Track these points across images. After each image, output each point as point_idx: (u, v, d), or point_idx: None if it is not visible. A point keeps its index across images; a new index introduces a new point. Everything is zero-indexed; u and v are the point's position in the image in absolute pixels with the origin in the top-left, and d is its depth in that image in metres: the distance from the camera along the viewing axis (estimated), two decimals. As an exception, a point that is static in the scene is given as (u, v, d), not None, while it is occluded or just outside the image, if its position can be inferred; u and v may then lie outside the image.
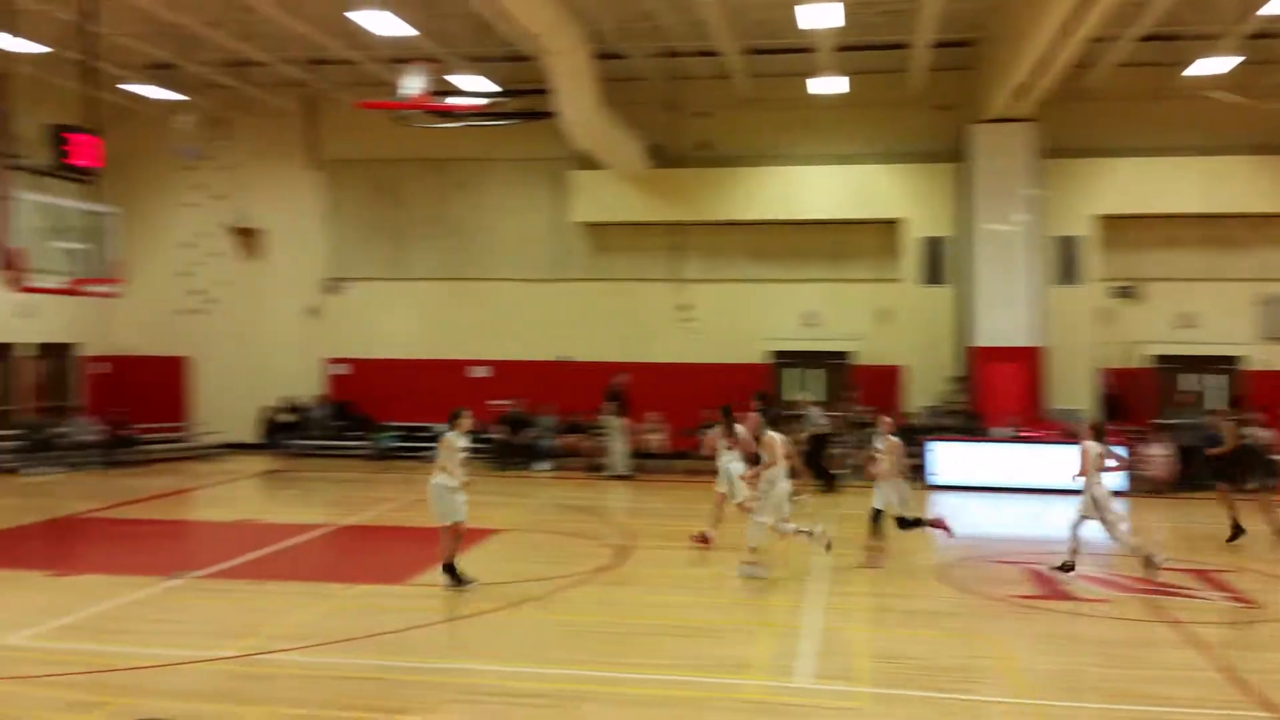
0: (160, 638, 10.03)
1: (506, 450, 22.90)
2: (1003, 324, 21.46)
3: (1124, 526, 12.97)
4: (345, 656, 9.49)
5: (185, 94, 23.94)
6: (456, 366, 24.83)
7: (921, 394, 22.85)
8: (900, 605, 11.51)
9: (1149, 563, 12.44)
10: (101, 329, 25.41)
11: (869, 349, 23.54)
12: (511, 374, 24.43)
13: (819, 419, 20.06)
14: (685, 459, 21.27)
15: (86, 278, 16.39)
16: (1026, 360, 21.44)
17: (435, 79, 19.80)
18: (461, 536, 12.10)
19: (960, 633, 10.52)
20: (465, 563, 12.30)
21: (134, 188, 25.66)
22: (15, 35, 17.83)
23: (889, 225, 23.37)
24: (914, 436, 20.70)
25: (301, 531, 15.63)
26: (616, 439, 21.37)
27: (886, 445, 13.31)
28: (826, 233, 23.77)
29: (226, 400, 25.50)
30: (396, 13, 17.80)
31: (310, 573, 13.21)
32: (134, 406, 24.75)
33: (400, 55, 20.32)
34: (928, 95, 22.74)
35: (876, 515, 13.29)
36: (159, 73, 22.44)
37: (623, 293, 24.57)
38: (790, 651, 9.63)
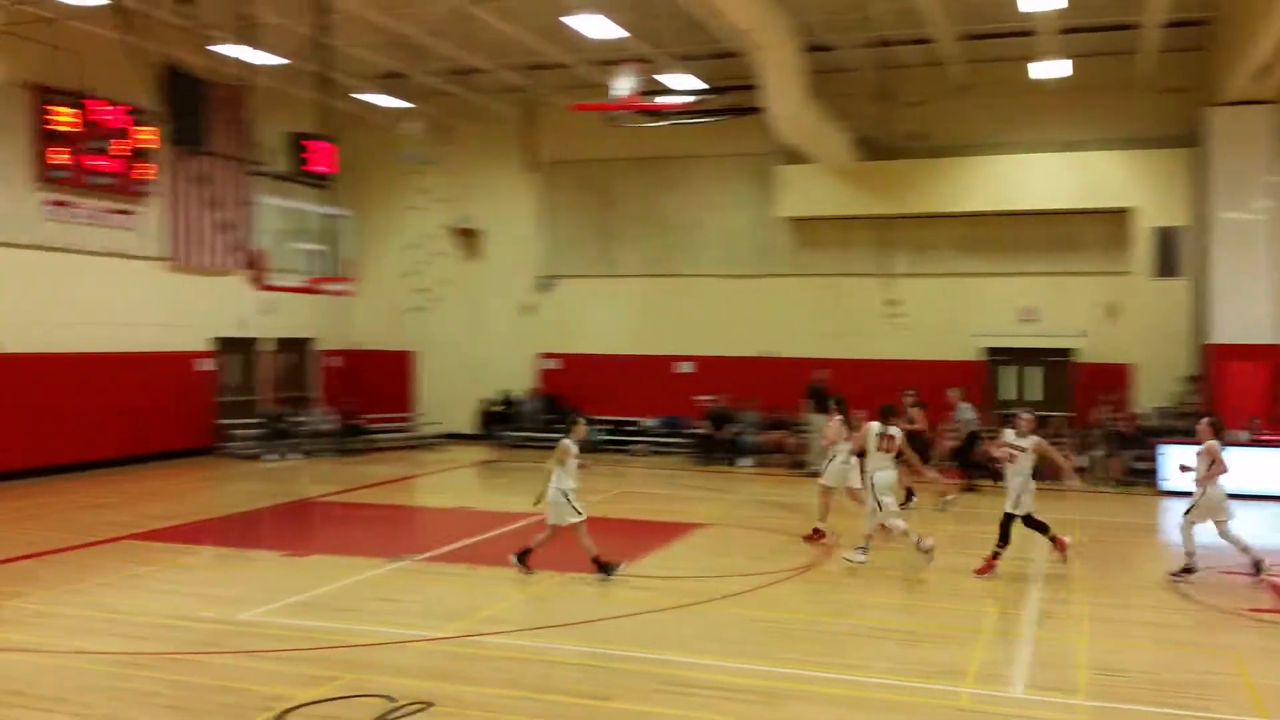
0: (384, 617, 10.56)
1: (709, 446, 22.98)
2: (1242, 319, 19.99)
3: (1234, 528, 12.33)
4: (553, 642, 9.75)
5: (412, 102, 25.13)
6: (661, 362, 25.11)
7: (1152, 394, 21.58)
8: (1123, 615, 10.91)
9: (1258, 567, 12.06)
10: (336, 325, 26.97)
11: (1094, 346, 22.43)
12: (716, 369, 24.51)
13: (968, 415, 19.40)
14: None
15: (322, 277, 17.47)
16: (1268, 358, 19.90)
17: (645, 79, 20.08)
18: (585, 532, 12.11)
19: (1189, 646, 9.89)
20: (666, 556, 12.47)
21: (364, 192, 27.18)
22: (256, 49, 19.10)
23: (1116, 215, 22.17)
24: (1144, 439, 19.66)
25: (513, 519, 16.12)
26: (817, 436, 21.07)
27: (1030, 443, 12.57)
28: (1046, 223, 22.78)
29: (447, 393, 26.66)
30: (609, 15, 18.16)
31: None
32: (364, 398, 26.21)
33: (611, 57, 20.69)
34: (1159, 77, 21.45)
35: (1028, 520, 12.49)
36: (388, 82, 23.61)
37: (828, 288, 24.26)
38: (1004, 659, 9.29)
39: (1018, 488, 12.51)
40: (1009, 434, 12.65)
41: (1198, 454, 12.40)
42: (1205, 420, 12.78)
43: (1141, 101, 21.99)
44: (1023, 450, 12.45)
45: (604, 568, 12.08)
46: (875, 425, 12.79)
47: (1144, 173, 21.83)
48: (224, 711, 7.95)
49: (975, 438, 19.35)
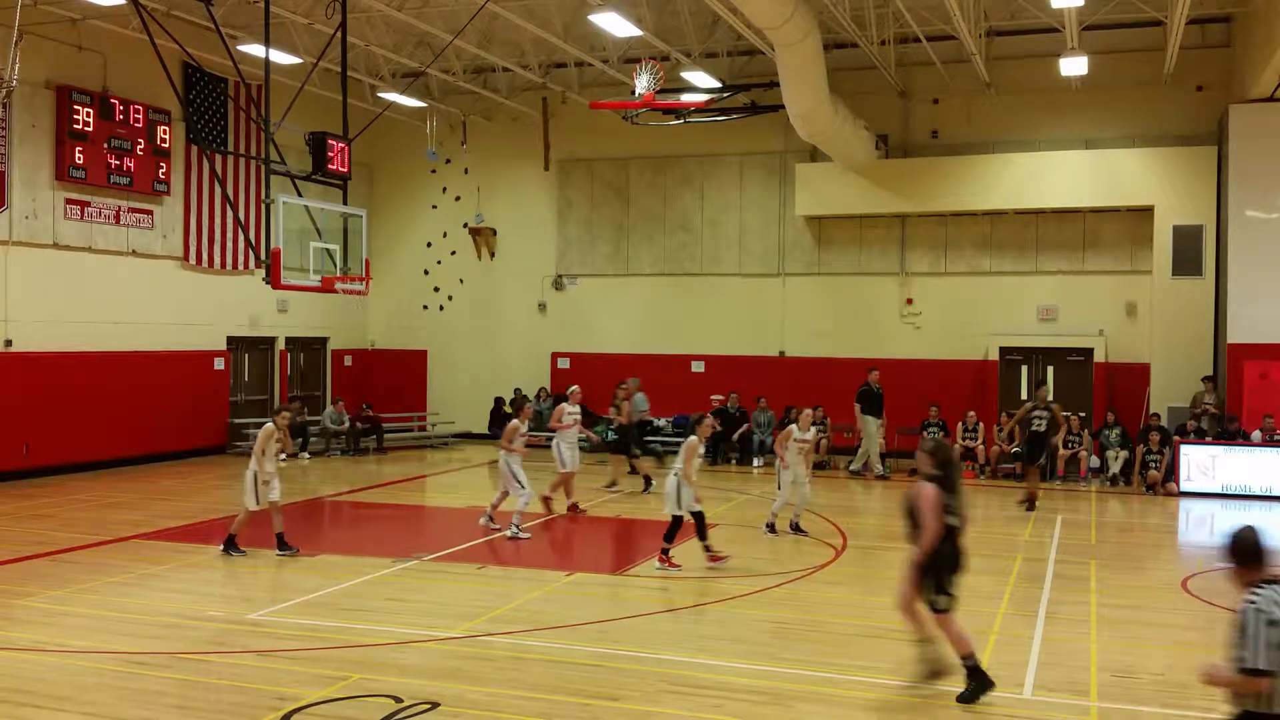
0: (393, 617, 10.55)
1: (719, 445, 22.91)
2: (1264, 319, 19.78)
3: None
4: (562, 642, 9.70)
5: (430, 100, 25.17)
6: (676, 361, 25.06)
7: (1173, 394, 21.37)
8: (1135, 616, 10.81)
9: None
10: (350, 324, 27.03)
11: (1114, 345, 22.27)
12: (731, 369, 24.45)
13: (644, 405, 20.47)
14: (909, 457, 20.73)
15: (337, 276, 17.45)
16: (1291, 358, 19.72)
17: (664, 77, 20.06)
18: (280, 512, 13.24)
19: (1201, 647, 9.78)
20: (675, 556, 12.48)
21: (380, 190, 27.29)
22: (276, 48, 19.16)
23: (1136, 213, 22.00)
24: (1163, 438, 19.48)
25: (523, 519, 16.10)
26: (873, 438, 20.74)
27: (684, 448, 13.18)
28: (1066, 222, 22.68)
29: (461, 392, 26.67)
30: (630, 13, 18.14)
31: (530, 559, 13.62)
32: (378, 397, 26.25)
33: (631, 55, 20.67)
34: (1184, 75, 21.21)
35: (697, 517, 12.65)
36: (406, 80, 23.65)
37: (846, 287, 24.17)
38: (1016, 661, 9.19)
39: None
40: (693, 440, 12.75)
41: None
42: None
43: (1163, 99, 21.81)
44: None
45: (283, 546, 12.89)
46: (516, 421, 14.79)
47: (1165, 171, 21.62)
48: (232, 711, 7.96)
49: (645, 425, 20.12)
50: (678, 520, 12.51)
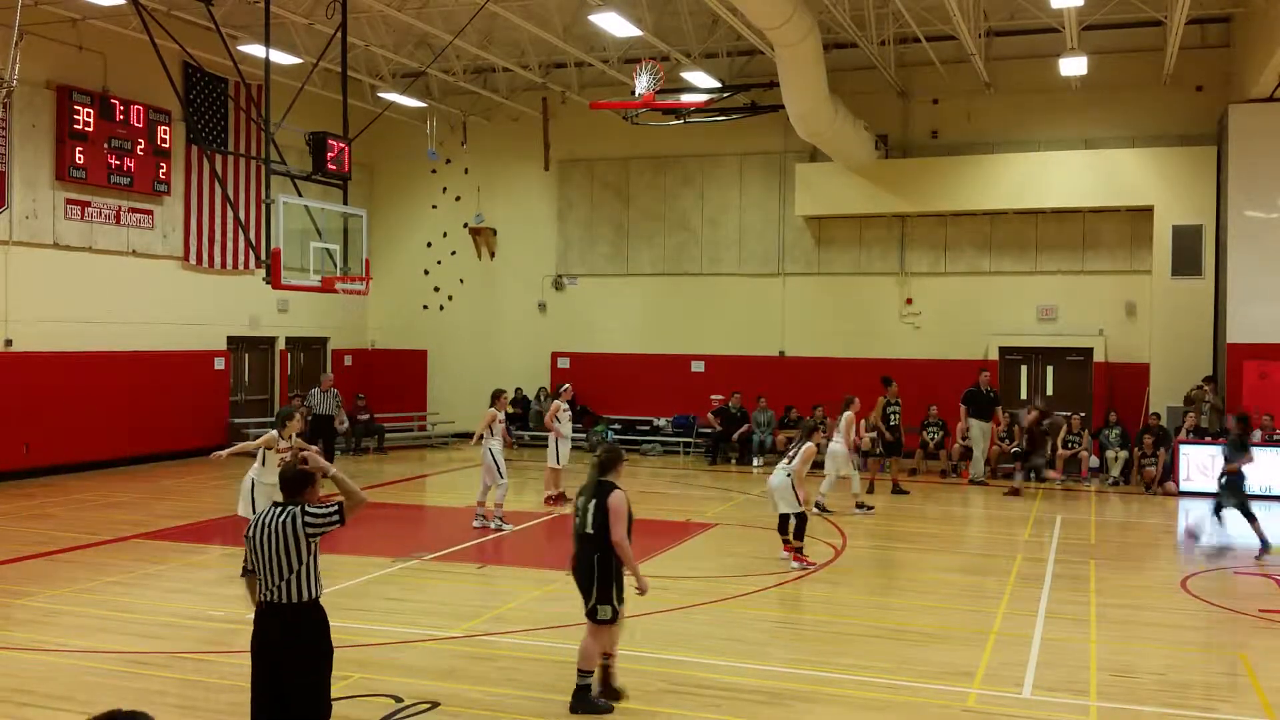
0: (393, 616, 10.56)
1: (719, 445, 22.91)
2: (1264, 319, 19.79)
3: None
4: (563, 641, 9.68)
5: (430, 100, 25.17)
6: (676, 361, 25.06)
7: (1172, 394, 21.38)
8: (1134, 616, 10.81)
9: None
10: (350, 324, 27.01)
11: (1113, 345, 22.27)
12: (731, 369, 24.45)
13: (318, 400, 20.83)
14: (908, 457, 20.75)
15: (338, 276, 17.47)
16: (1291, 358, 19.72)
17: (664, 77, 20.06)
18: None
19: (1198, 647, 9.80)
20: (675, 556, 12.46)
21: (380, 190, 27.28)
22: (276, 48, 19.17)
23: (1136, 213, 21.99)
24: (1156, 439, 19.49)
25: (523, 519, 16.13)
26: (978, 442, 20.22)
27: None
28: (1066, 222, 22.67)
29: (461, 391, 26.64)
30: (630, 13, 18.15)
31: (531, 559, 13.63)
32: (379, 397, 26.24)
33: (631, 55, 20.66)
34: (1183, 75, 21.22)
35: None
36: (406, 80, 23.66)
37: (845, 287, 24.17)
38: (1016, 660, 9.20)
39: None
40: (810, 446, 13.04)
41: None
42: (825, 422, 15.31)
43: (1163, 99, 21.81)
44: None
45: None
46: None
47: (1165, 171, 21.63)
48: (233, 711, 7.94)
49: (325, 421, 20.54)
50: (802, 517, 12.73)
